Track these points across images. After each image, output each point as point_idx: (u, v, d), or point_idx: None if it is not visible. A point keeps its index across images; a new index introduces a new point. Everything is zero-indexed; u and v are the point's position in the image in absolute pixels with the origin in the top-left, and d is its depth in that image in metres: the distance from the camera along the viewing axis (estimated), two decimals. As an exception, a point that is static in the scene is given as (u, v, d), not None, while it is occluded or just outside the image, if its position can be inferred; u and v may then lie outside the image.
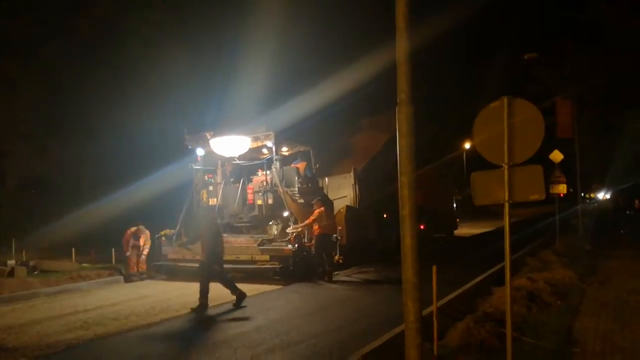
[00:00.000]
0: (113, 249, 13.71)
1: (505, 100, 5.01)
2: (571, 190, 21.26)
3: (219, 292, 10.48)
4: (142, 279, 12.79)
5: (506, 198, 5.02)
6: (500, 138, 4.99)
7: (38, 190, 19.59)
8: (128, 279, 12.70)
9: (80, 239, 15.15)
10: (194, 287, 11.22)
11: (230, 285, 9.47)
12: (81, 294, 11.05)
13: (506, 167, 5.01)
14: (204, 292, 9.02)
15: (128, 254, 12.84)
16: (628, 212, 40.72)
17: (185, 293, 10.65)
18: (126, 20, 19.25)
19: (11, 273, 11.88)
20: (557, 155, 16.73)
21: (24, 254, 13.83)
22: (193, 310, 8.83)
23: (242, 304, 9.24)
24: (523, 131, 4.97)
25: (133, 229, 12.98)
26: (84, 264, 13.90)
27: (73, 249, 13.93)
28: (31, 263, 12.99)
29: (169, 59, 19.69)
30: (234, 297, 9.34)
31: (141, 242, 12.90)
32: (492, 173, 5.19)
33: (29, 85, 18.01)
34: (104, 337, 7.29)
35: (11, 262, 12.41)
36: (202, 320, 8.46)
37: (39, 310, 9.26)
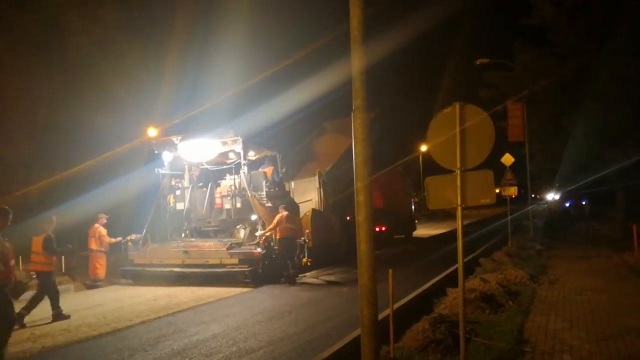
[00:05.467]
0: (63, 257, 13.21)
1: (457, 106, 5.11)
2: (522, 191, 21.95)
3: (174, 300, 10.31)
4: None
5: (459, 202, 5.12)
6: (453, 143, 5.10)
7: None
8: (92, 286, 12.37)
9: (29, 247, 14.54)
10: (149, 294, 11.09)
11: None
12: (29, 304, 10.58)
13: (458, 172, 5.11)
14: None
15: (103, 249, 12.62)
16: (572, 212, 42.61)
17: (139, 301, 10.40)
18: (77, 18, 18.63)
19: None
20: (508, 159, 17.27)
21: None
22: None
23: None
24: (474, 137, 5.09)
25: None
26: (32, 272, 13.33)
27: (20, 257, 13.32)
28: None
29: (133, 61, 19.23)
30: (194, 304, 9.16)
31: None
32: (446, 178, 5.29)
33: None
34: (53, 350, 7.00)
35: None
36: (156, 329, 8.25)
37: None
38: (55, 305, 8.84)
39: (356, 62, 4.43)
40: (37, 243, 8.89)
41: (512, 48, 24.48)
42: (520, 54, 23.84)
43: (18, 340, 7.45)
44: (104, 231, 12.72)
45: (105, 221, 12.84)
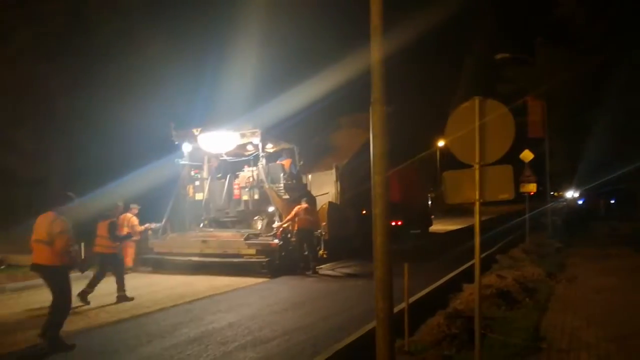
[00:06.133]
0: (83, 244, 13.42)
1: (477, 100, 5.07)
2: (541, 188, 21.68)
3: (192, 289, 10.45)
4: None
5: (477, 197, 5.09)
6: (472, 138, 5.06)
7: (5, 182, 18.99)
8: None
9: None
10: (168, 282, 11.26)
11: None
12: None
13: (477, 167, 5.08)
14: None
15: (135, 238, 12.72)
16: (583, 211, 42.02)
17: (157, 289, 10.56)
18: (99, 9, 18.87)
19: (-23, 267, 11.60)
20: (527, 155, 17.04)
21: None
22: None
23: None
24: (494, 131, 5.05)
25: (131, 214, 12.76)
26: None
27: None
28: (-2, 257, 12.69)
29: (154, 53, 19.44)
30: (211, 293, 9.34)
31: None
32: (464, 172, 5.26)
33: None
34: (71, 335, 7.12)
35: (-22, 257, 12.11)
36: (174, 316, 8.37)
37: (3, 306, 9.04)
38: (120, 287, 9.33)
39: (375, 52, 4.38)
40: (102, 228, 9.35)
41: (533, 43, 24.11)
42: (542, 49, 23.48)
43: (37, 324, 7.60)
44: (136, 220, 12.87)
45: (137, 211, 12.97)
